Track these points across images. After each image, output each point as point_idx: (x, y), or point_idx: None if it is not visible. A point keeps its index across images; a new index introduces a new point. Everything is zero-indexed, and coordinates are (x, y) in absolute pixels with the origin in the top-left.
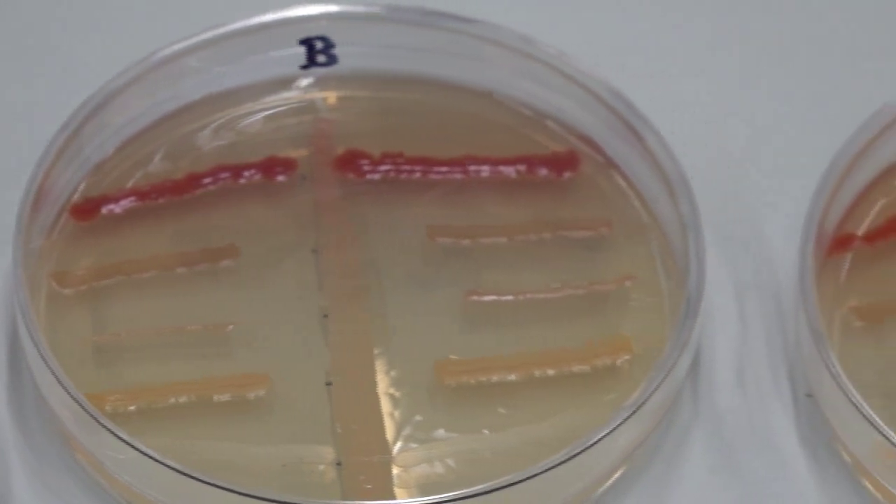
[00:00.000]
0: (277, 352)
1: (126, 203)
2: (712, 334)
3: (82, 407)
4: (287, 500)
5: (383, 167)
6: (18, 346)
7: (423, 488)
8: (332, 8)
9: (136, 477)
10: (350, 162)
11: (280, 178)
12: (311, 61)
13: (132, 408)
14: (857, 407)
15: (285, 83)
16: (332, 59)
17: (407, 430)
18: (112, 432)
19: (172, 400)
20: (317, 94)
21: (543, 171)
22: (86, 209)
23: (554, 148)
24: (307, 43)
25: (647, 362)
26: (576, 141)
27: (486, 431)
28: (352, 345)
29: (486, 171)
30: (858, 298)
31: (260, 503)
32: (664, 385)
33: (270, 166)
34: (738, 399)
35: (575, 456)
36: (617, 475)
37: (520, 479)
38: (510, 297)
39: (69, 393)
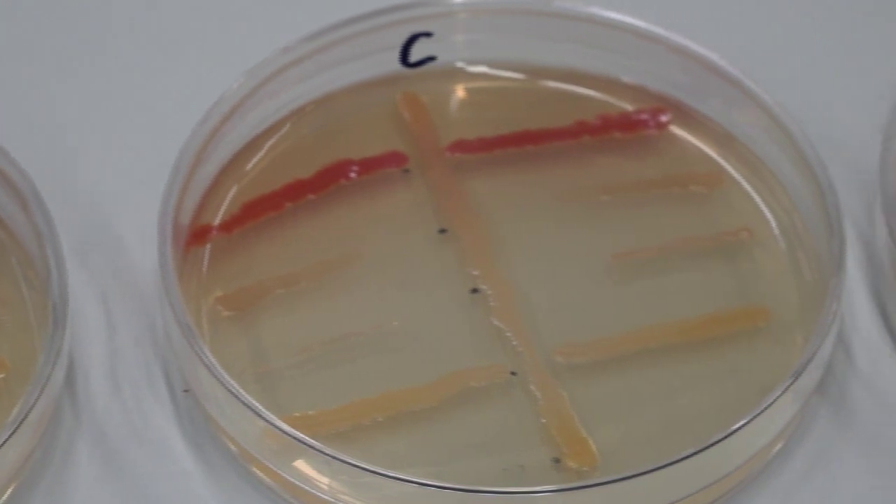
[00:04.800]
0: None
1: None
2: (84, 342)
3: None
4: None
5: None
6: None
7: None
8: None
9: None
10: None
11: None
12: None
13: None
14: (235, 396)
15: None
16: None
17: None
18: None
19: None
20: None
21: None
22: None
23: None
24: None
25: (23, 378)
26: None
27: None
28: None
29: None
30: (222, 288)
31: None
32: (42, 399)
33: None
34: (116, 404)
35: None
36: (7, 494)
37: None
38: None
39: None
